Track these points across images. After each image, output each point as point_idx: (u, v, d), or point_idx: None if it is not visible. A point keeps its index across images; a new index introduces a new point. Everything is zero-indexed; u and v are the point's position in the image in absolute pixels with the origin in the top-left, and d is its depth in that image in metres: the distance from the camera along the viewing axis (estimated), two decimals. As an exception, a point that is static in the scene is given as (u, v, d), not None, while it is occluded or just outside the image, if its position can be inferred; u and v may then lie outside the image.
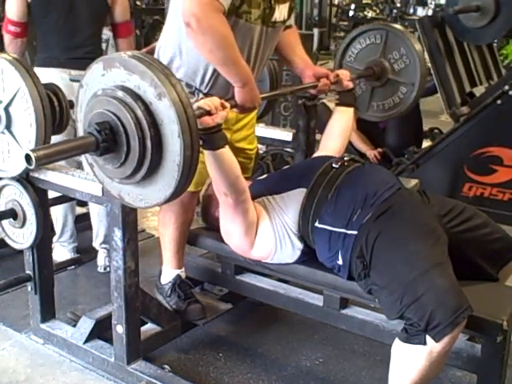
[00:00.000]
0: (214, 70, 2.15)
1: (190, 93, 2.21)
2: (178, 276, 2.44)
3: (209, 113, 1.77)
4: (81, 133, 1.65)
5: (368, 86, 2.71)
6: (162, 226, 2.38)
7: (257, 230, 2.11)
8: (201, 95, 2.22)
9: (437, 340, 1.68)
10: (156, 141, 1.47)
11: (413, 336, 1.73)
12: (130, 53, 1.52)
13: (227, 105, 1.87)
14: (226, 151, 1.92)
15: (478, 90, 4.26)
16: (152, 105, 1.46)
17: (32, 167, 1.40)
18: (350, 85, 2.46)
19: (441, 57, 4.01)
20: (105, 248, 3.10)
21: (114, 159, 1.54)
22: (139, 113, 1.46)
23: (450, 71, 4.02)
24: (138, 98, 1.47)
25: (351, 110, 2.51)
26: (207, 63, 2.14)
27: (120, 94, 1.48)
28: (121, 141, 1.50)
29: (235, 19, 2.07)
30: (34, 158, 1.38)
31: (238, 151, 2.44)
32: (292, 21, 2.39)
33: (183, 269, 2.46)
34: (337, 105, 2.51)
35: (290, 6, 2.27)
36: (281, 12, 2.22)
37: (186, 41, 2.13)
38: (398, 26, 2.70)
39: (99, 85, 1.55)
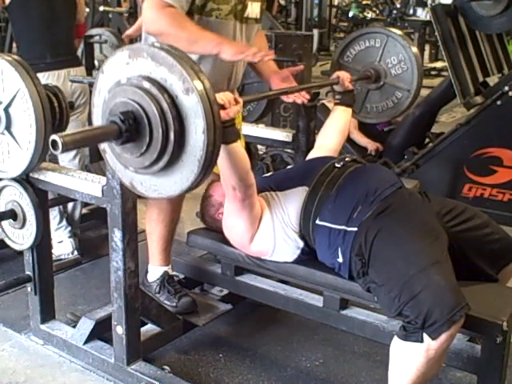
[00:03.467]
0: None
1: None
2: (166, 272, 2.50)
3: (223, 107, 1.78)
4: (97, 118, 1.64)
5: (363, 87, 2.74)
6: (150, 224, 2.44)
7: (258, 224, 2.12)
8: None
9: (433, 338, 1.68)
10: (179, 134, 1.46)
11: (410, 333, 1.74)
12: (158, 44, 1.50)
13: (240, 100, 1.89)
14: (238, 145, 1.94)
15: (491, 80, 4.27)
16: (178, 98, 1.45)
17: (58, 152, 1.38)
18: (351, 86, 2.51)
19: (454, 46, 4.01)
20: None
21: (133, 149, 1.52)
22: (165, 105, 1.45)
23: (463, 60, 4.02)
24: (164, 90, 1.46)
25: (350, 109, 2.56)
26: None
27: (146, 84, 1.47)
28: (144, 131, 1.48)
29: (205, 18, 2.15)
30: (60, 143, 1.36)
31: None
32: (260, 26, 2.43)
33: (170, 265, 2.52)
34: (336, 104, 2.56)
35: (261, 7, 2.32)
36: (253, 9, 2.29)
37: None
38: (398, 32, 2.72)
39: (123, 73, 1.53)
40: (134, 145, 1.52)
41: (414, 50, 2.63)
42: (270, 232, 2.10)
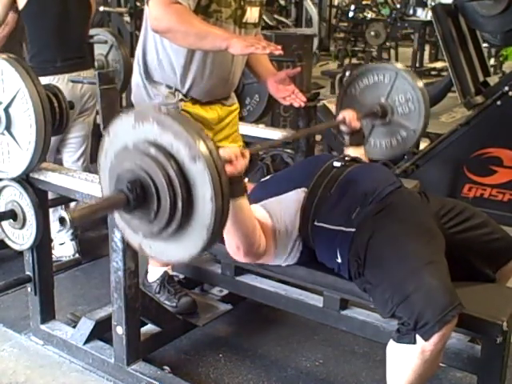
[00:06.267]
0: (192, 72, 2.24)
1: (170, 93, 2.27)
2: (166, 273, 2.51)
3: (229, 161, 1.76)
4: (104, 182, 1.63)
5: (369, 122, 2.69)
6: None
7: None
8: (180, 95, 2.30)
9: (426, 339, 1.68)
10: (187, 202, 1.45)
11: (403, 335, 1.73)
12: (164, 109, 1.50)
13: (246, 153, 1.84)
14: (244, 201, 1.87)
15: (492, 80, 4.26)
16: (185, 165, 1.43)
17: (67, 228, 1.39)
18: (358, 125, 2.42)
19: (454, 45, 4.01)
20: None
21: (141, 216, 1.51)
22: (172, 173, 1.43)
23: (463, 60, 4.02)
24: (171, 157, 1.44)
25: (361, 148, 2.46)
26: (183, 66, 2.23)
27: (152, 151, 1.45)
28: (151, 199, 1.47)
29: (205, 18, 2.13)
30: (68, 220, 1.37)
31: None
32: (259, 29, 2.42)
33: (170, 265, 2.53)
34: (345, 146, 2.46)
35: (260, 12, 2.31)
36: (252, 14, 2.28)
37: (162, 45, 2.21)
38: (408, 70, 2.69)
39: (129, 137, 1.51)
40: (143, 212, 1.50)
41: (423, 90, 2.59)
42: (273, 244, 2.05)
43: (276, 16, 9.62)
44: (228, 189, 1.46)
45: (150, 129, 1.47)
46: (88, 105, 3.19)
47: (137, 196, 1.47)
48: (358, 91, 2.74)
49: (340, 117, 2.41)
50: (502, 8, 3.80)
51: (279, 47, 1.98)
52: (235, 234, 1.90)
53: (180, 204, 1.44)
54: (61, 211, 1.39)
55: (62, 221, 1.37)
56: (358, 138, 2.44)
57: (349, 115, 2.39)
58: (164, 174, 1.43)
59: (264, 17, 8.16)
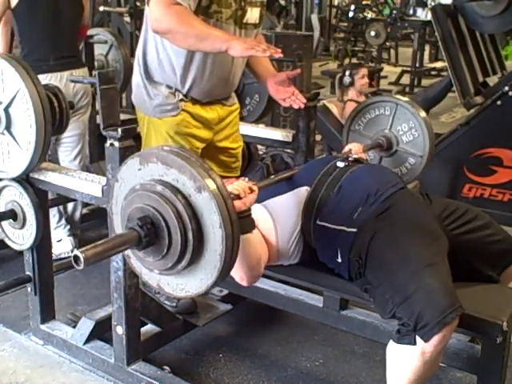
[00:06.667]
0: (192, 72, 2.24)
1: (170, 93, 2.27)
2: None
3: (238, 197, 1.76)
4: (118, 226, 1.66)
5: (376, 154, 2.74)
6: None
7: (263, 238, 2.05)
8: (181, 95, 2.29)
9: (425, 340, 1.68)
10: (197, 232, 1.48)
11: (403, 336, 1.73)
12: (167, 148, 1.53)
13: (255, 188, 1.85)
14: (252, 235, 1.88)
15: (491, 80, 4.27)
16: (191, 197, 1.47)
17: (81, 268, 1.40)
18: (364, 157, 2.45)
19: (454, 46, 4.02)
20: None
21: (154, 252, 1.54)
22: (180, 206, 1.46)
23: (463, 60, 4.02)
24: (177, 191, 1.48)
25: None
26: (184, 66, 2.23)
27: (159, 188, 1.49)
28: (162, 234, 1.50)
29: (206, 19, 2.13)
30: (82, 259, 1.39)
31: (220, 150, 2.47)
32: (260, 30, 2.42)
33: None
34: None
35: (260, 12, 2.31)
36: (252, 14, 2.28)
37: (162, 45, 2.22)
38: (407, 100, 2.73)
39: (136, 179, 1.56)
40: (155, 248, 1.53)
41: (424, 116, 2.65)
42: (275, 246, 2.06)
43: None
44: (236, 215, 1.47)
45: (155, 168, 1.51)
46: (81, 103, 3.19)
47: (148, 232, 1.50)
48: (362, 126, 2.78)
49: (346, 149, 2.43)
50: (501, 8, 3.81)
51: (279, 50, 1.98)
52: (241, 268, 1.90)
53: (191, 235, 1.47)
54: (75, 250, 1.40)
55: (76, 259, 1.39)
56: None
57: (354, 148, 2.41)
58: (172, 208, 1.47)
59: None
